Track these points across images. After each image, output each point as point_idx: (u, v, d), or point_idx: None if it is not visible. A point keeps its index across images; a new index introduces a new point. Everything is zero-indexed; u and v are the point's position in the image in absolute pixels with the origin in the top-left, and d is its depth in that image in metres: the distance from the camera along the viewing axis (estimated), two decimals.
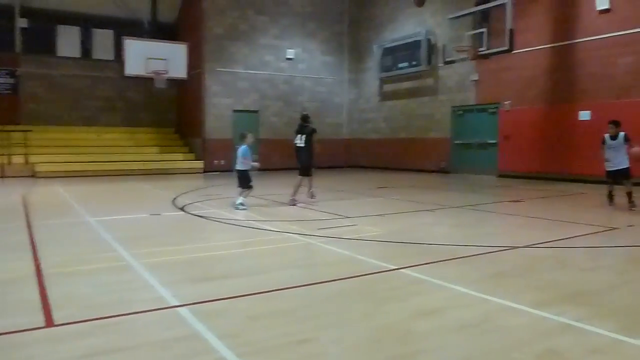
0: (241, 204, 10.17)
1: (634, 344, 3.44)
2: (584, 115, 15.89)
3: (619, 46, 15.01)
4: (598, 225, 8.20)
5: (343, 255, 6.22)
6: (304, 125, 11.35)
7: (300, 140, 11.20)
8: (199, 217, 9.34)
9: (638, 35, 14.58)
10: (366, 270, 5.46)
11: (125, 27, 21.85)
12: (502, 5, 16.47)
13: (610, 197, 10.38)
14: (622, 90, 14.96)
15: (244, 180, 10.41)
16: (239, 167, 10.49)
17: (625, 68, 14.91)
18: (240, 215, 9.50)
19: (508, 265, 5.74)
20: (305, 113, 11.88)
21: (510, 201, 11.95)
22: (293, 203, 10.87)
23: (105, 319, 3.92)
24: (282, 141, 23.13)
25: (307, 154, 11.21)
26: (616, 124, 10.24)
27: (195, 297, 4.47)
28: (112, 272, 5.40)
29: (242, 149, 10.44)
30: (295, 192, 11.07)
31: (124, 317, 3.99)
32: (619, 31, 15.01)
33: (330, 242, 6.93)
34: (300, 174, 11.33)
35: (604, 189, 11.35)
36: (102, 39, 23.33)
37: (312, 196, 11.34)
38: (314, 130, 11.30)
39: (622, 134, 10.08)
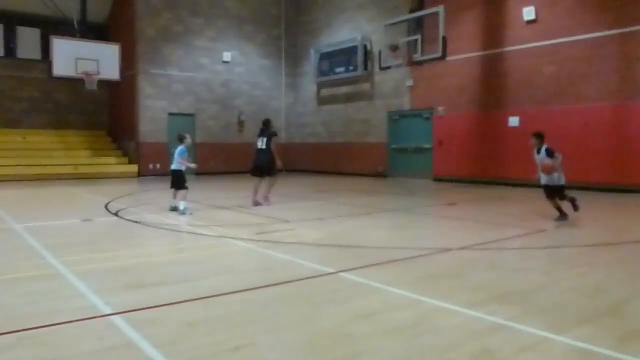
0: (186, 208, 10.02)
1: (560, 341, 3.59)
2: (513, 121, 16.55)
3: (544, 55, 15.74)
4: (527, 228, 8.53)
5: (282, 260, 6.20)
6: (265, 129, 11.74)
7: (261, 143, 11.53)
8: (134, 223, 9.08)
9: (560, 45, 15.33)
10: (305, 274, 5.46)
11: (53, 26, 20.97)
12: (435, 14, 16.91)
13: (559, 210, 9.31)
14: (547, 98, 15.68)
15: (179, 181, 10.22)
16: (174, 166, 10.34)
17: (549, 76, 15.64)
18: (176, 220, 9.31)
19: (442, 267, 5.89)
20: (267, 118, 12.32)
21: (444, 204, 12.27)
22: (268, 204, 11.33)
23: (33, 330, 3.74)
24: (218, 145, 22.93)
25: (268, 156, 11.48)
26: (537, 136, 9.39)
27: (130, 304, 4.34)
28: (40, 281, 5.17)
29: (179, 149, 10.30)
30: (267, 195, 11.49)
31: (52, 327, 3.82)
32: (543, 41, 15.74)
33: (269, 247, 6.90)
34: (256, 175, 11.56)
35: (532, 192, 11.83)
36: (28, 38, 22.35)
37: (266, 200, 11.48)
38: (274, 134, 11.73)
39: (544, 148, 9.17)
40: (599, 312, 4.25)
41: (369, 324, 3.94)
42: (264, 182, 11.52)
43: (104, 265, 5.87)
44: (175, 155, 10.32)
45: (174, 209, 10.21)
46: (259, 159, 11.53)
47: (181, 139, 10.43)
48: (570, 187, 14.88)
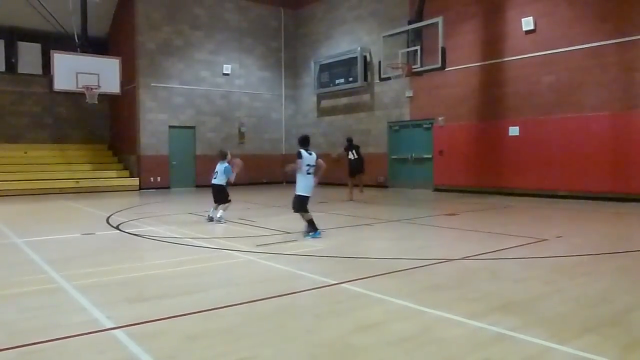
0: (221, 217, 10.64)
1: (563, 351, 3.58)
2: (513, 130, 16.56)
3: (543, 65, 15.78)
4: (528, 237, 8.50)
5: (283, 271, 6.19)
6: (351, 143, 16.24)
7: (352, 155, 16.02)
8: (135, 236, 9.08)
9: (559, 55, 15.38)
10: (306, 285, 5.45)
11: (54, 41, 21.06)
12: (435, 25, 16.97)
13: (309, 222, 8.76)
14: (547, 107, 15.71)
15: (222, 195, 10.84)
16: (217, 181, 10.98)
17: (549, 86, 15.68)
18: (177, 233, 9.31)
19: (444, 278, 5.88)
20: (350, 136, 17.34)
21: (445, 215, 12.26)
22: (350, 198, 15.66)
23: (34, 345, 3.73)
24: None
25: (361, 162, 16.17)
26: (301, 141, 8.89)
27: (131, 318, 4.33)
28: (41, 295, 5.16)
29: (224, 166, 10.96)
30: (362, 189, 16.23)
31: (54, 342, 3.81)
32: (542, 51, 15.80)
33: (270, 258, 6.89)
34: (354, 175, 16.17)
35: (533, 202, 11.78)
36: (29, 53, 22.47)
37: (361, 192, 16.02)
38: (358, 147, 16.37)
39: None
40: (601, 322, 4.24)
41: (371, 335, 3.93)
42: (357, 180, 15.99)
43: (105, 279, 5.86)
44: (221, 172, 10.92)
45: (211, 219, 10.75)
46: (355, 163, 16.01)
47: (224, 156, 11.14)
48: (571, 197, 14.95)
